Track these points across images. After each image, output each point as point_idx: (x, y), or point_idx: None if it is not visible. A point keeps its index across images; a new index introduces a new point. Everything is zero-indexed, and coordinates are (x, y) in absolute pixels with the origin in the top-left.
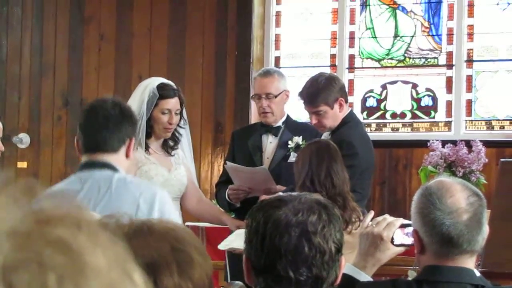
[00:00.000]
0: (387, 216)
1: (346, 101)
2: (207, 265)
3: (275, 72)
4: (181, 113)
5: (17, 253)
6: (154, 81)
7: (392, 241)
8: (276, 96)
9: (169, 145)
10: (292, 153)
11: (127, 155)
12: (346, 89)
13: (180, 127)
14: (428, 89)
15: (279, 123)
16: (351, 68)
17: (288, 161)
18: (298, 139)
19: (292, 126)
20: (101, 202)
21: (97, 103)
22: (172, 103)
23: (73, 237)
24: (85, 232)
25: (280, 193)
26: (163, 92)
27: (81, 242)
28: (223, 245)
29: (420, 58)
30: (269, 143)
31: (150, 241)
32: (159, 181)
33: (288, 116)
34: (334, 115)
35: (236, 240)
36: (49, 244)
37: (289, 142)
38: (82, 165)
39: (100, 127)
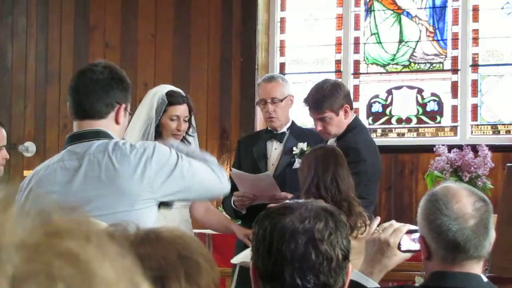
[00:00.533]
0: (393, 222)
1: (351, 108)
2: (214, 272)
3: (279, 77)
4: (189, 121)
5: (26, 264)
6: (163, 88)
7: (398, 247)
8: (281, 101)
9: None
10: (297, 159)
11: (117, 122)
12: (352, 95)
13: (189, 135)
14: (433, 94)
15: (284, 129)
16: (356, 73)
17: (293, 167)
18: (303, 145)
19: (297, 132)
20: (105, 177)
21: (87, 66)
22: (181, 109)
23: (82, 249)
24: (94, 244)
25: (287, 201)
26: (172, 98)
27: (90, 254)
28: (236, 259)
29: (425, 63)
30: (274, 149)
31: (157, 248)
32: None
33: (292, 122)
34: (339, 122)
35: (250, 256)
36: (58, 256)
37: (294, 148)
38: (71, 136)
39: (87, 91)
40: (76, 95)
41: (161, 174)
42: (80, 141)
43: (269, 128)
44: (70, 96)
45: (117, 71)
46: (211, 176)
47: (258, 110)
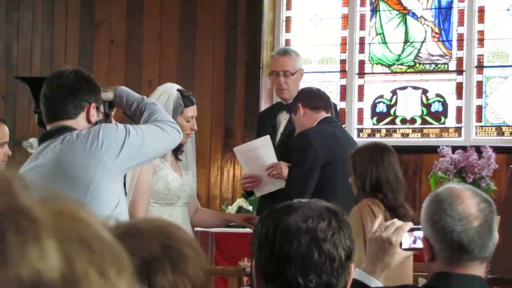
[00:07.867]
0: (396, 220)
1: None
2: (201, 259)
3: (292, 52)
4: None
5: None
6: (172, 88)
7: (400, 245)
8: (293, 74)
9: (176, 150)
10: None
11: (89, 121)
12: (356, 94)
13: None
14: (438, 95)
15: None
16: (361, 73)
17: (296, 134)
18: None
19: None
20: (56, 169)
21: (54, 73)
22: (194, 110)
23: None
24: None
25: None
26: (185, 100)
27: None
28: None
29: (430, 63)
30: (284, 119)
31: (139, 241)
32: (175, 186)
33: None
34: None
35: None
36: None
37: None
38: (40, 137)
39: (55, 95)
40: (45, 101)
41: (112, 151)
42: (47, 140)
43: (279, 100)
44: (41, 104)
45: (84, 74)
46: (159, 134)
47: (263, 109)
